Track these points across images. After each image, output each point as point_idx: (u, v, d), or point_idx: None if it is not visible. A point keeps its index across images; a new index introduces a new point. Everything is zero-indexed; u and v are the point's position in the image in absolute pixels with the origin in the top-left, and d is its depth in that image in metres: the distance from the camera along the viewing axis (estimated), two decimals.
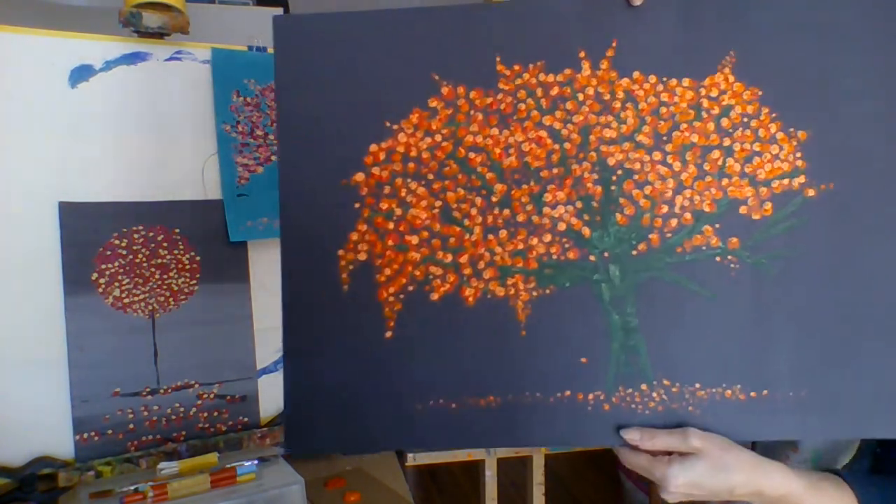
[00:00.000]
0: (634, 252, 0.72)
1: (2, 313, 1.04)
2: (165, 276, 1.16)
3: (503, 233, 0.73)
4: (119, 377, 1.12)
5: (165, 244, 1.17)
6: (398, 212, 0.73)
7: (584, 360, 0.72)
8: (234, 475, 1.01)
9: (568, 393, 0.71)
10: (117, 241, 1.13)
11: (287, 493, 1.01)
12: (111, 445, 1.10)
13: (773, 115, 0.71)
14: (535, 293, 0.73)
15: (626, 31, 0.71)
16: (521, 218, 0.73)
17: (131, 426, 1.12)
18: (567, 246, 0.73)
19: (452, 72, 0.73)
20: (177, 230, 1.18)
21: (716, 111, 0.71)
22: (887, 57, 0.69)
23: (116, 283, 1.12)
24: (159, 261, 1.16)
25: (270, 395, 1.25)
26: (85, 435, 1.09)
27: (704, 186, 0.72)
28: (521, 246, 0.73)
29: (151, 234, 1.16)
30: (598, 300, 0.72)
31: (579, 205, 0.72)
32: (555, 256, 0.73)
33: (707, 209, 0.71)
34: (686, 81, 0.71)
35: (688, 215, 0.71)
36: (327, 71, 0.73)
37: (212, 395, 1.19)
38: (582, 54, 0.72)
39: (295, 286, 0.74)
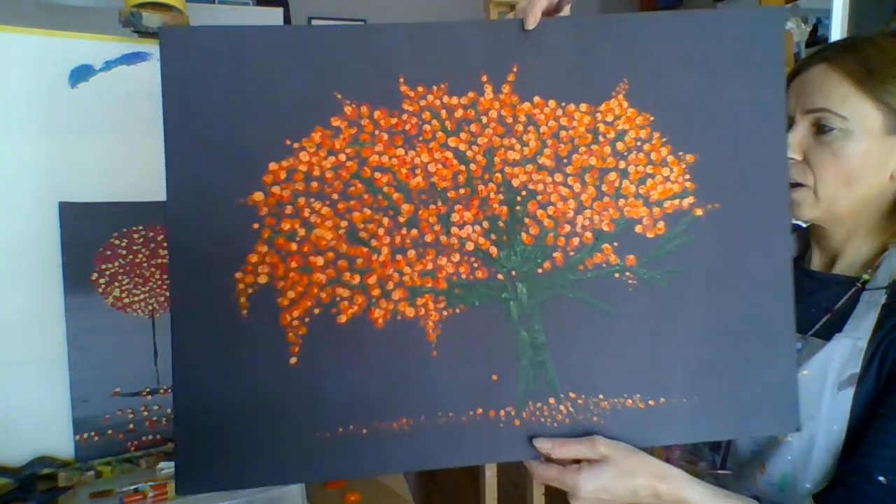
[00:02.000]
0: (540, 270, 0.73)
1: (2, 313, 1.04)
2: (165, 276, 1.16)
3: (411, 253, 0.71)
4: (119, 377, 1.12)
5: (165, 244, 1.17)
6: (301, 232, 0.70)
7: (494, 377, 0.72)
8: None
9: (480, 411, 0.71)
10: (117, 241, 1.13)
11: (287, 493, 1.00)
12: (111, 445, 1.10)
13: (664, 139, 0.74)
14: (445, 313, 0.72)
15: (525, 57, 0.72)
16: (429, 238, 0.72)
17: (131, 426, 1.12)
18: (476, 265, 0.73)
19: (355, 91, 0.71)
20: None
21: (611, 135, 0.73)
22: (761, 88, 0.73)
23: (116, 283, 1.12)
24: (159, 261, 1.16)
25: None
26: (85, 435, 1.09)
27: (603, 207, 0.74)
28: (430, 266, 0.72)
29: (151, 234, 1.16)
30: (506, 318, 0.73)
31: (486, 225, 0.73)
32: (464, 276, 0.72)
33: (606, 228, 0.74)
34: (583, 106, 0.73)
35: (588, 234, 0.74)
36: (221, 87, 0.70)
37: None
38: (484, 78, 0.72)
39: (185, 312, 0.67)
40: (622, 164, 0.74)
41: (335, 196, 0.71)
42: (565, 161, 0.74)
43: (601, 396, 0.73)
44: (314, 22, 3.52)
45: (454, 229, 0.72)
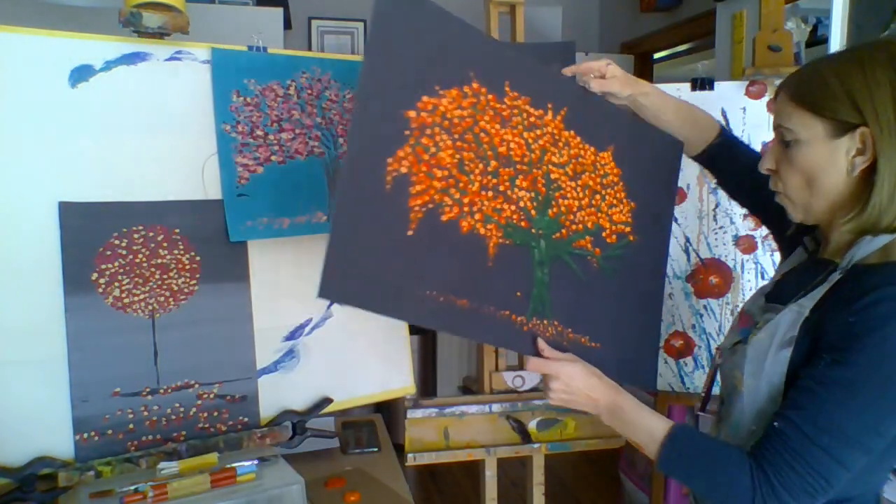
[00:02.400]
0: (555, 236, 1.10)
1: (2, 313, 1.04)
2: (165, 276, 1.16)
3: (490, 193, 1.02)
4: (119, 377, 1.12)
5: (165, 244, 1.17)
6: (432, 150, 0.96)
7: (518, 294, 1.04)
8: (234, 475, 1.01)
9: (507, 312, 1.03)
10: (117, 241, 1.13)
11: (287, 493, 1.01)
12: (111, 445, 1.10)
13: (625, 187, 1.18)
14: (500, 240, 1.03)
15: (575, 104, 1.12)
16: (502, 188, 1.03)
17: (131, 426, 1.12)
18: (521, 217, 1.06)
19: (482, 77, 1.02)
20: (177, 230, 1.18)
21: (601, 172, 1.16)
22: (669, 177, 1.27)
23: (116, 283, 1.12)
24: (159, 261, 1.16)
25: (270, 395, 1.25)
26: (85, 435, 1.09)
27: (590, 213, 1.14)
28: (498, 206, 1.03)
29: (151, 234, 1.16)
30: (531, 259, 1.07)
31: (532, 195, 1.07)
32: (514, 221, 1.05)
33: (589, 226, 1.14)
34: (592, 148, 1.15)
35: (580, 226, 1.13)
36: (412, 39, 0.95)
37: (212, 395, 1.19)
38: (550, 105, 1.09)
39: (351, 176, 0.90)
40: (603, 192, 1.16)
41: (455, 136, 0.99)
42: (577, 176, 1.13)
43: (570, 330, 1.10)
44: (314, 22, 3.52)
45: (516, 189, 1.05)
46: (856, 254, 0.86)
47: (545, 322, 1.07)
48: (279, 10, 2.36)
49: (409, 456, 1.52)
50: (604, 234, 1.15)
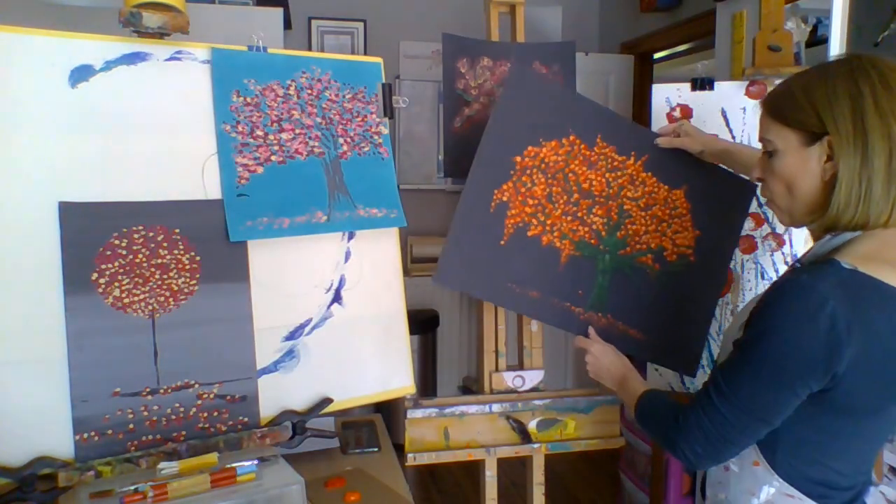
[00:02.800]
0: (620, 252, 1.45)
1: (2, 313, 1.04)
2: (165, 276, 1.16)
3: (569, 217, 1.42)
4: (119, 377, 1.12)
5: (165, 244, 1.17)
6: (528, 185, 1.39)
7: (580, 292, 1.43)
8: (234, 475, 1.01)
9: (568, 304, 1.42)
10: (117, 241, 1.13)
11: (287, 493, 1.01)
12: (111, 445, 1.10)
13: (693, 218, 1.48)
14: (572, 252, 1.43)
15: (652, 152, 1.46)
16: (580, 214, 1.43)
17: (131, 426, 1.12)
18: (592, 236, 1.44)
19: (578, 131, 1.42)
20: (177, 230, 1.18)
21: (671, 205, 1.48)
22: (732, 212, 1.52)
23: (116, 283, 1.12)
24: (159, 261, 1.16)
25: (270, 395, 1.25)
26: (85, 435, 1.09)
27: (655, 236, 1.47)
28: (575, 227, 1.43)
29: (151, 234, 1.16)
30: (595, 268, 1.44)
31: (605, 220, 1.45)
32: (586, 238, 1.44)
33: (652, 247, 1.47)
34: (666, 187, 1.47)
35: (644, 246, 1.46)
36: (531, 102, 1.39)
37: (212, 395, 1.19)
38: (633, 153, 1.45)
39: (468, 198, 1.35)
40: (670, 221, 1.48)
41: (549, 175, 1.41)
42: (648, 208, 1.46)
43: (620, 323, 1.45)
44: (314, 22, 3.52)
45: (591, 215, 1.44)
46: (817, 251, 0.94)
47: (599, 315, 1.44)
48: (279, 10, 2.36)
49: (409, 456, 1.52)
50: (665, 254, 1.47)
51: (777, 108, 0.97)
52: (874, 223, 0.90)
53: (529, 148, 1.37)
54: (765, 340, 0.88)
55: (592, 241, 1.43)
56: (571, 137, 1.40)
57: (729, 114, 1.66)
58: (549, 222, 1.40)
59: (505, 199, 1.37)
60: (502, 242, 1.35)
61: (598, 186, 1.43)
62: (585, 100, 1.43)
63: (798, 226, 1.00)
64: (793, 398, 0.88)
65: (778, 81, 1.62)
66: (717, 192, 1.49)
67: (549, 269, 1.40)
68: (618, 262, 1.45)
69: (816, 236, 0.97)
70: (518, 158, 1.37)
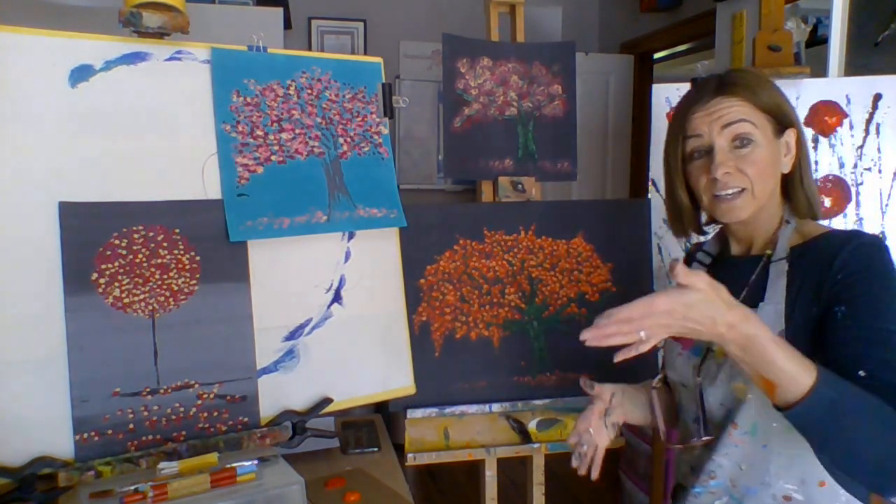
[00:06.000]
0: (545, 315, 1.62)
1: (2, 313, 1.04)
2: (165, 276, 1.16)
3: (487, 307, 1.60)
4: (119, 377, 1.12)
5: (165, 244, 1.17)
6: (440, 298, 1.56)
7: (523, 363, 1.61)
8: (234, 475, 1.01)
9: (516, 378, 1.59)
10: (117, 241, 1.13)
11: (287, 493, 1.00)
12: (111, 445, 1.10)
13: (600, 255, 1.64)
14: (501, 334, 1.60)
15: (543, 216, 1.63)
16: (495, 300, 1.60)
17: (131, 426, 1.12)
18: (515, 312, 1.61)
19: (465, 233, 1.58)
20: (177, 230, 1.18)
21: (574, 254, 1.63)
22: (629, 232, 1.68)
23: (116, 283, 1.12)
24: (159, 261, 1.16)
25: (270, 395, 1.25)
26: (85, 435, 1.09)
27: (569, 288, 1.63)
28: (495, 313, 1.60)
29: (151, 234, 1.16)
30: (528, 337, 1.61)
31: (519, 294, 1.61)
32: (509, 318, 1.61)
33: (572, 296, 1.63)
34: (563, 241, 1.62)
35: (565, 300, 1.63)
36: (419, 234, 1.56)
37: (212, 395, 1.19)
38: (521, 227, 1.61)
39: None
40: (579, 267, 1.63)
41: (455, 281, 1.58)
42: (554, 266, 1.63)
43: (571, 374, 1.60)
44: (314, 22, 3.52)
45: (506, 295, 1.61)
46: (792, 240, 0.97)
47: (548, 374, 1.60)
48: (279, 10, 2.36)
49: (409, 456, 1.52)
50: (587, 297, 1.63)
51: (760, 97, 0.96)
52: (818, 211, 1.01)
53: (428, 268, 1.55)
54: (891, 280, 0.87)
55: (516, 317, 1.59)
56: (461, 241, 1.58)
57: None
58: (471, 319, 1.57)
59: (424, 318, 1.55)
60: (437, 355, 1.51)
61: (502, 270, 1.59)
62: (461, 205, 1.71)
63: (753, 217, 0.98)
64: None
65: (779, 82, 1.62)
66: (612, 222, 1.64)
67: (488, 357, 1.57)
68: (546, 324, 1.60)
69: (769, 231, 1.00)
70: (422, 282, 1.54)
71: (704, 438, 0.98)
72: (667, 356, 1.11)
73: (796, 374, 0.77)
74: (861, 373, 0.81)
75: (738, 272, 1.01)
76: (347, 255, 1.36)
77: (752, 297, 0.96)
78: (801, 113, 1.60)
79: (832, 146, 1.58)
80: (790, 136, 0.98)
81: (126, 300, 1.13)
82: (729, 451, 0.97)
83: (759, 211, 0.98)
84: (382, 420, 1.75)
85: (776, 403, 0.80)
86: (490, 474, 1.57)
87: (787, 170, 0.99)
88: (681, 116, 1.01)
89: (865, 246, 0.89)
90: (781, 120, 0.98)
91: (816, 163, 1.58)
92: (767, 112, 0.97)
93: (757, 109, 0.96)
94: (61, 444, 1.07)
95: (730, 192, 0.96)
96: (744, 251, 1.05)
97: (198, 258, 1.19)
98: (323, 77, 1.35)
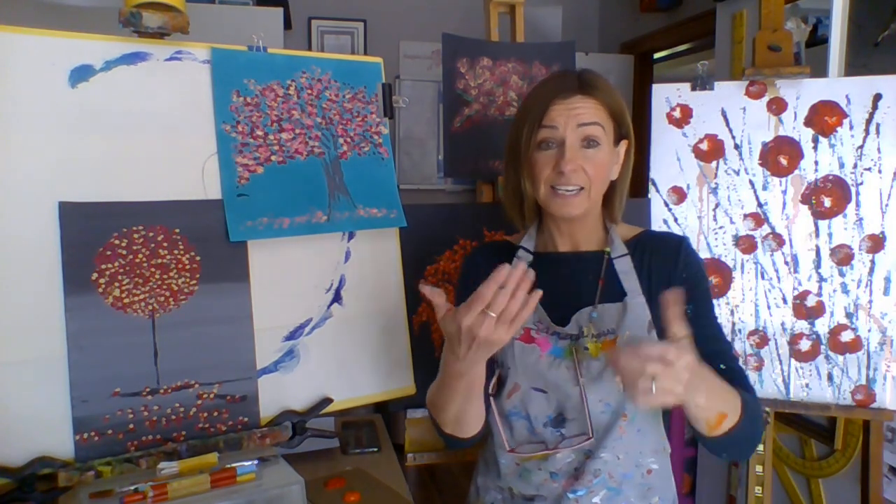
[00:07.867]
0: None
1: (2, 313, 1.04)
2: (165, 276, 1.16)
3: None
4: (119, 377, 1.11)
5: (165, 244, 1.17)
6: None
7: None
8: (234, 475, 1.01)
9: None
10: (117, 241, 1.13)
11: (287, 493, 1.00)
12: (111, 445, 1.10)
13: None
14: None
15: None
16: None
17: (131, 426, 1.12)
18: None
19: (466, 234, 1.53)
20: (177, 230, 1.18)
21: None
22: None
23: (116, 283, 1.12)
24: (159, 261, 1.16)
25: (270, 395, 1.25)
26: (85, 435, 1.09)
27: None
28: None
29: (151, 234, 1.16)
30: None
31: None
32: None
33: None
34: None
35: None
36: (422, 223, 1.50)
37: (212, 395, 1.19)
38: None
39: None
40: None
41: (455, 281, 1.36)
42: None
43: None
44: (314, 22, 3.51)
45: None
46: (622, 237, 1.08)
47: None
48: (279, 10, 2.36)
49: (409, 456, 1.52)
50: None
51: (611, 103, 1.02)
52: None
53: (428, 268, 1.53)
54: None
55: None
56: (461, 241, 1.56)
57: (729, 114, 1.66)
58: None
59: (424, 318, 1.53)
60: (437, 355, 1.35)
61: None
62: (461, 205, 1.61)
63: (584, 215, 1.06)
64: None
65: (779, 82, 1.62)
66: None
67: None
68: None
69: (597, 230, 1.10)
70: (421, 281, 1.44)
71: (585, 441, 1.01)
72: (517, 361, 1.06)
73: (734, 396, 0.89)
74: (722, 366, 0.96)
75: (576, 268, 1.09)
76: (347, 255, 1.36)
77: (612, 293, 1.04)
78: (801, 113, 1.59)
79: (832, 146, 1.57)
80: (623, 146, 1.07)
81: (126, 300, 1.13)
82: (615, 445, 1.01)
83: (589, 210, 1.05)
84: (382, 420, 1.75)
85: (713, 433, 0.88)
86: None
87: (614, 177, 1.08)
88: (540, 104, 1.02)
89: (691, 246, 1.05)
90: (622, 129, 1.06)
91: (816, 163, 1.58)
92: (615, 119, 1.03)
93: (608, 115, 1.02)
94: (61, 444, 1.07)
95: (571, 188, 1.01)
96: (572, 248, 1.11)
97: (198, 258, 1.19)
98: (323, 77, 1.35)
